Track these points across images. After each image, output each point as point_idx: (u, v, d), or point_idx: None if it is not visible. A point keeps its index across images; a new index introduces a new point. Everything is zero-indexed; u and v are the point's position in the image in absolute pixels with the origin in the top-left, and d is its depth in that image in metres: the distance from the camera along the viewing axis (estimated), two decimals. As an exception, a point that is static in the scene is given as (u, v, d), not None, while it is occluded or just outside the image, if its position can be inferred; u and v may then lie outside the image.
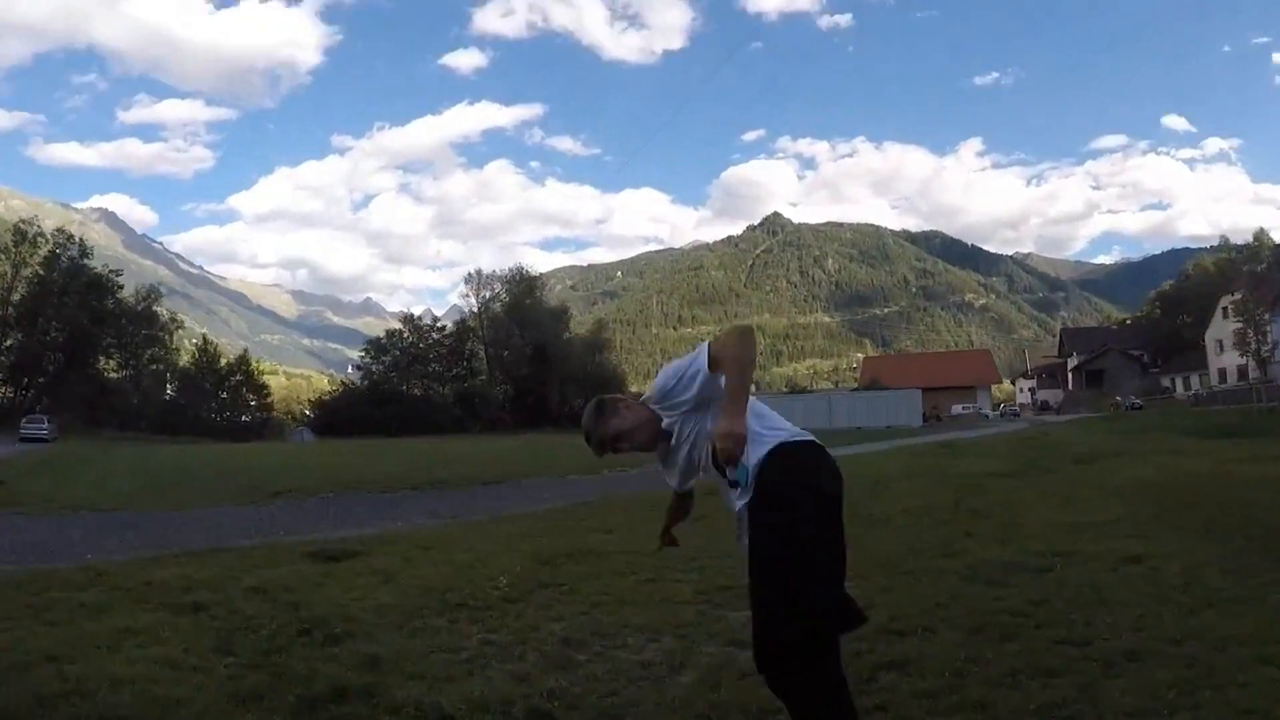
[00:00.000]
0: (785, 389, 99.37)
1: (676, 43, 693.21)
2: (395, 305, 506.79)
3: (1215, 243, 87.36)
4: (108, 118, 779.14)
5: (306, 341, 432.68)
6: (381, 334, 59.55)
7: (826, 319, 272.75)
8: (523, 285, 59.23)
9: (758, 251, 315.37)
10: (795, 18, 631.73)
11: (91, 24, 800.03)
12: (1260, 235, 75.71)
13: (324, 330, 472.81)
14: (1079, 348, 76.10)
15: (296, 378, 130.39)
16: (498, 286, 59.04)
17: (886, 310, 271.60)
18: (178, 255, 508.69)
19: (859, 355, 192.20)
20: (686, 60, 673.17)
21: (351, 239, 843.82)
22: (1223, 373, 50.65)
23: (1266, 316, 41.38)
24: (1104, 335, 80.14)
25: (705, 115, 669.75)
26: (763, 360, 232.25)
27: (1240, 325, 41.85)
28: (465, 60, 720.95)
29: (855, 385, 69.93)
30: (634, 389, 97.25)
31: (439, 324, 59.20)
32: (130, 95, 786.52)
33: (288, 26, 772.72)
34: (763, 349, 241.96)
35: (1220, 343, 51.58)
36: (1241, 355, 44.43)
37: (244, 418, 54.07)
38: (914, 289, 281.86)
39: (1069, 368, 74.81)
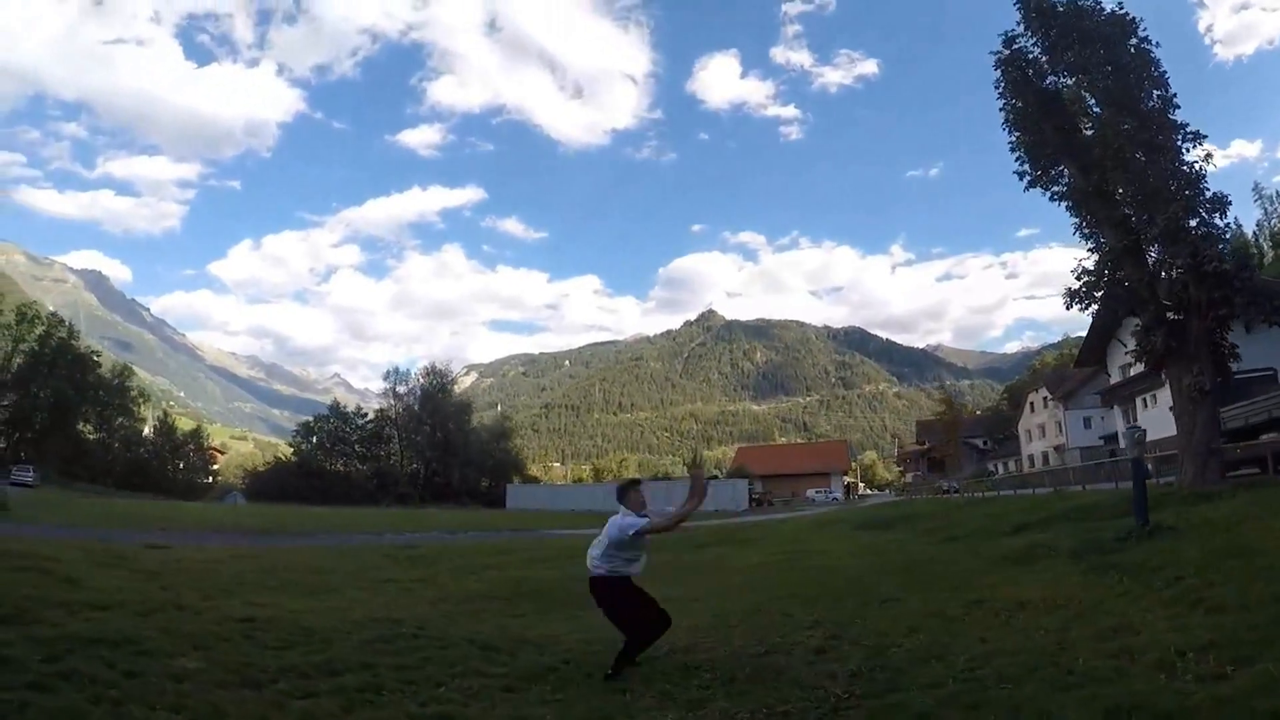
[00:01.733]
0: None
1: (623, 122, 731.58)
2: (359, 381, 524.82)
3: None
4: (86, 168, 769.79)
5: (276, 412, 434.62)
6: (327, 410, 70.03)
7: (754, 407, 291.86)
8: (435, 381, 70.02)
9: (693, 344, 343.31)
10: (742, 107, 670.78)
11: (79, 75, 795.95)
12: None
13: (291, 402, 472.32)
14: (930, 437, 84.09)
15: (264, 444, 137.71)
16: (413, 382, 70.57)
17: (808, 399, 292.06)
18: (160, 319, 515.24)
19: (783, 439, 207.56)
20: (635, 142, 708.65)
21: (318, 313, 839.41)
22: (1032, 458, 56.09)
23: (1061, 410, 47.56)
24: (949, 427, 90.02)
25: (650, 206, 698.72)
26: (693, 444, 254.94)
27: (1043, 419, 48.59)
28: (419, 138, 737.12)
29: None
30: (537, 469, 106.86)
31: (362, 412, 70.54)
32: (108, 149, 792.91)
33: (263, 92, 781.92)
34: (694, 434, 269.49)
35: (1029, 432, 58.43)
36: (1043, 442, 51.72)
37: (198, 479, 62.99)
38: (833, 379, 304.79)
39: (921, 454, 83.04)
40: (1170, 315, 14.07)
